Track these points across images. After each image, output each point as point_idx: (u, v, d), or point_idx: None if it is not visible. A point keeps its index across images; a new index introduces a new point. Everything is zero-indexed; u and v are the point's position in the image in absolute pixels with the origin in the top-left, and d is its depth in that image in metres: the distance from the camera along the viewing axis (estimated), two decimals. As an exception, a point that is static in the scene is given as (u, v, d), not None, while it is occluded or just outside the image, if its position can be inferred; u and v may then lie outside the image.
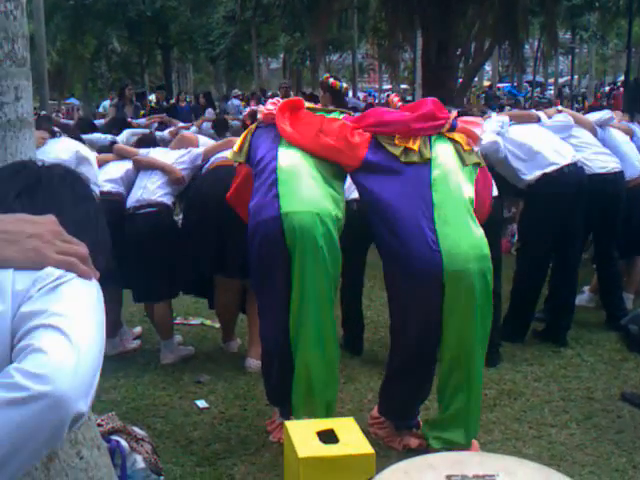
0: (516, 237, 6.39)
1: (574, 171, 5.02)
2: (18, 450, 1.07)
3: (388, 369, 3.78)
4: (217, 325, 5.53)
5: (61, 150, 4.60)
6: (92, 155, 4.66)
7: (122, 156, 5.24)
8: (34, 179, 1.50)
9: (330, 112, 3.95)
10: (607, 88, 33.05)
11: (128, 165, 5.13)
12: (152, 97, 17.70)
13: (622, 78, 22.61)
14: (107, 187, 4.95)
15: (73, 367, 1.09)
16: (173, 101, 15.14)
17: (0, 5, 2.38)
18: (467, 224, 3.42)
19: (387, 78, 38.67)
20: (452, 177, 3.50)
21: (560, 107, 6.09)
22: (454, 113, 3.79)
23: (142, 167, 5.09)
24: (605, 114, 5.93)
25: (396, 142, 3.56)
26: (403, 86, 33.51)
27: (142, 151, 5.32)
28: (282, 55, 37.29)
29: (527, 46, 23.35)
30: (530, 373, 4.70)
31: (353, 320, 5.08)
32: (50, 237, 1.26)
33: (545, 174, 5.00)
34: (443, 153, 3.58)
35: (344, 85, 5.91)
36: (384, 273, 3.66)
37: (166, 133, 9.27)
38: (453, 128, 3.68)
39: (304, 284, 3.48)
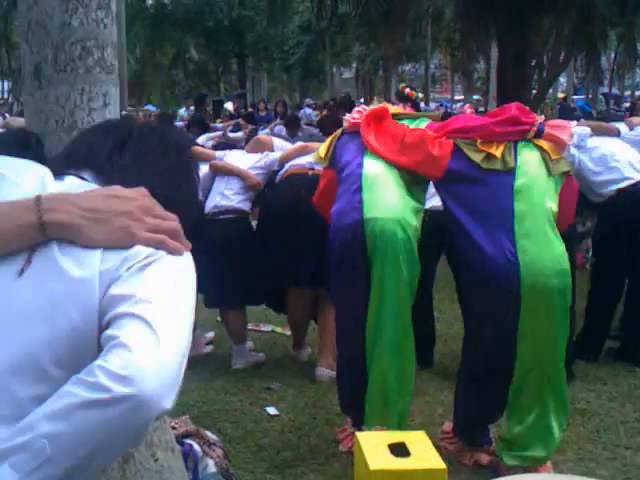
0: (590, 252, 6.26)
1: None
2: (100, 450, 1.07)
3: (459, 384, 3.73)
4: (288, 333, 5.56)
5: None
6: None
7: (199, 159, 5.32)
8: (127, 133, 1.48)
9: (415, 118, 3.91)
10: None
11: (204, 169, 5.20)
12: (228, 105, 17.97)
13: None
14: None
15: (158, 366, 1.08)
16: (250, 109, 15.27)
17: (91, 13, 2.44)
18: (548, 238, 3.33)
19: (459, 89, 38.37)
20: (536, 188, 3.41)
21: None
22: (541, 118, 3.66)
23: (219, 173, 5.16)
24: None
25: (479, 147, 3.48)
26: (475, 97, 33.18)
27: (218, 153, 5.39)
28: (355, 64, 37.36)
29: (603, 58, 22.84)
30: (604, 392, 4.57)
31: (423, 332, 5.02)
32: (140, 214, 1.24)
33: (620, 189, 4.90)
34: (528, 161, 3.47)
35: (420, 95, 5.89)
36: (458, 284, 3.62)
37: (240, 133, 9.43)
38: (540, 133, 3.55)
39: (382, 290, 3.45)
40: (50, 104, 2.40)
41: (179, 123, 10.91)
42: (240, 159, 5.22)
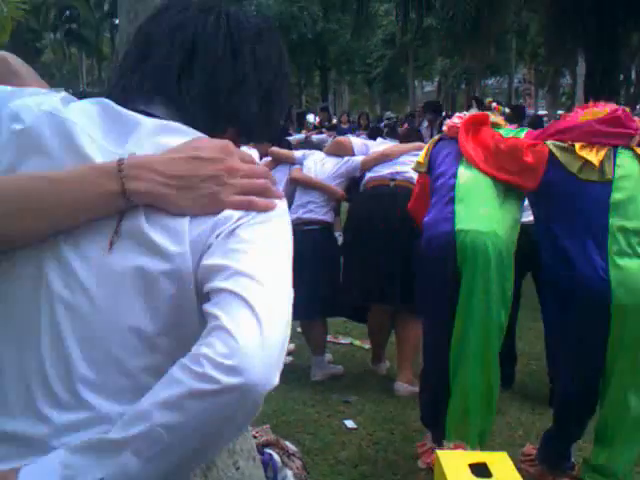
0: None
1: None
2: (212, 438, 1.09)
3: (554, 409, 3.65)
4: (366, 346, 5.56)
5: None
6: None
7: (279, 159, 5.37)
8: (191, 37, 1.29)
9: (515, 131, 3.82)
10: None
11: (285, 175, 5.23)
12: (310, 117, 18.10)
13: None
14: None
15: (263, 352, 1.06)
16: (335, 121, 15.34)
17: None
18: None
19: (543, 104, 37.70)
20: (633, 204, 3.26)
21: None
22: None
23: (300, 185, 5.20)
24: None
25: (577, 152, 3.30)
26: (560, 112, 32.54)
27: (297, 153, 5.39)
28: (437, 78, 37.18)
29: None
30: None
31: (505, 351, 4.94)
32: (227, 177, 1.19)
33: None
34: (628, 172, 3.28)
35: (506, 110, 5.82)
36: (542, 301, 3.55)
37: (324, 135, 9.53)
38: None
39: (471, 304, 3.41)
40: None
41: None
42: (321, 164, 5.19)
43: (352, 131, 13.54)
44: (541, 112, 37.56)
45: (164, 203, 1.16)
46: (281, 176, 5.23)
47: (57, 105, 1.23)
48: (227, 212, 1.17)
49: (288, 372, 5.10)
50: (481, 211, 3.47)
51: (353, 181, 5.15)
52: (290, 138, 8.17)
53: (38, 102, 1.23)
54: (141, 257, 1.16)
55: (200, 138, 1.23)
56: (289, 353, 5.55)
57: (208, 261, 1.13)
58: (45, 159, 1.19)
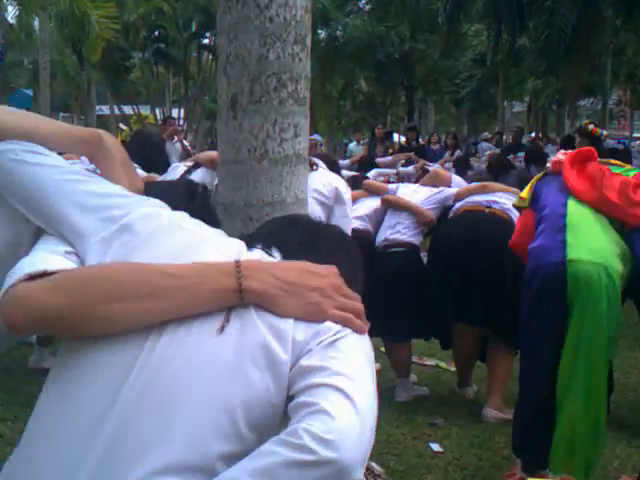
0: None
1: None
2: None
3: None
4: (452, 368, 5.47)
5: (321, 183, 4.53)
6: (348, 193, 4.70)
7: (372, 192, 5.37)
8: (314, 232, 1.55)
9: (624, 169, 3.72)
10: None
11: (377, 203, 5.23)
12: (394, 136, 18.01)
13: None
14: (355, 224, 5.07)
15: (358, 434, 1.11)
16: (422, 141, 15.24)
17: (288, 47, 2.53)
18: None
19: (638, 126, 36.62)
20: None
21: None
22: None
23: (391, 206, 5.17)
24: None
25: None
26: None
27: (391, 186, 5.41)
28: (527, 98, 36.58)
29: None
30: None
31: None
32: (331, 291, 1.30)
33: None
34: None
35: (604, 132, 5.67)
36: None
37: (411, 168, 9.43)
38: None
39: (581, 336, 3.33)
40: (244, 133, 2.50)
41: (345, 162, 11.02)
42: (413, 193, 5.21)
43: (441, 153, 13.31)
44: (636, 134, 36.58)
45: (274, 304, 1.27)
46: (371, 201, 5.27)
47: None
48: (328, 323, 1.27)
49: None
50: (594, 242, 3.39)
51: (444, 210, 5.11)
52: (372, 173, 8.12)
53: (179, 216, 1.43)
54: (249, 344, 1.24)
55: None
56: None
57: (306, 362, 1.21)
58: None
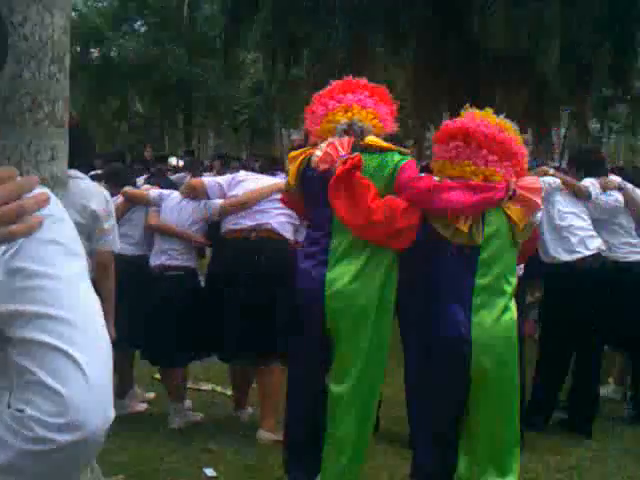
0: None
1: (596, 262, 4.96)
2: None
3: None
4: (228, 392, 5.48)
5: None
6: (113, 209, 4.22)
7: (132, 201, 5.14)
8: None
9: (385, 151, 3.56)
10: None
11: (142, 217, 5.09)
12: (172, 160, 17.76)
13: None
14: (129, 250, 4.93)
15: (91, 396, 1.00)
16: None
17: (44, 67, 2.44)
18: (501, 309, 3.40)
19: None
20: (499, 261, 3.41)
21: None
22: (513, 181, 3.43)
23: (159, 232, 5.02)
24: None
25: (446, 222, 3.36)
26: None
27: (152, 194, 5.14)
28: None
29: (554, 132, 23.48)
30: (553, 463, 4.56)
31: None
32: None
33: (567, 262, 4.97)
34: (495, 230, 3.40)
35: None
36: (406, 353, 3.65)
37: (184, 174, 9.40)
38: (512, 197, 3.40)
39: (342, 359, 3.51)
40: (-4, 154, 2.38)
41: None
42: (177, 207, 4.97)
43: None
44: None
45: None
46: (138, 218, 5.11)
47: None
48: None
49: (145, 420, 4.99)
50: (355, 262, 3.47)
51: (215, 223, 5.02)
52: (140, 179, 7.89)
53: None
54: None
55: None
56: (148, 402, 5.39)
57: None
58: None
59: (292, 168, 3.68)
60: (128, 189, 5.23)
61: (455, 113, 3.57)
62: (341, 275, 3.45)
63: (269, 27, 14.01)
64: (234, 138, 39.31)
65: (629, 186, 5.47)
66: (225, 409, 5.34)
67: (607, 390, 5.90)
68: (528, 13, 10.55)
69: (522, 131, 3.55)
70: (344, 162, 3.40)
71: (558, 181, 5.14)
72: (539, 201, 3.52)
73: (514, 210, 3.40)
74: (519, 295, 4.27)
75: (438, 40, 12.78)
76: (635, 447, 4.91)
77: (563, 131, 28.12)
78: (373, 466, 4.30)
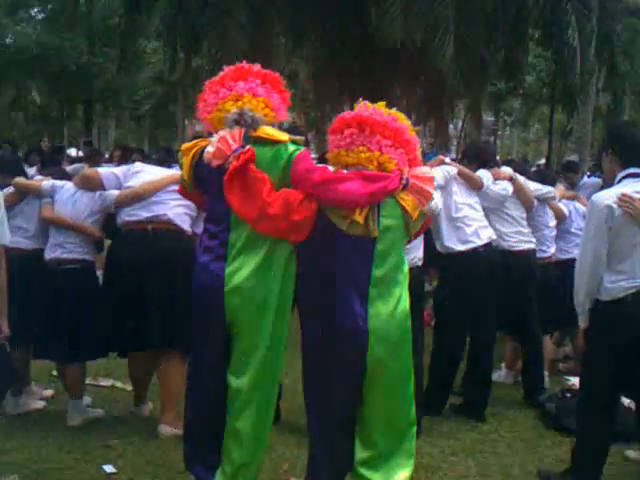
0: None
1: (488, 252, 5.15)
2: None
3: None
4: (128, 388, 5.35)
5: None
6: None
7: (22, 192, 4.92)
8: None
9: (276, 143, 3.48)
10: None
11: (35, 208, 4.90)
12: (71, 151, 17.30)
13: (543, 162, 23.43)
14: (25, 244, 4.78)
15: None
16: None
17: None
18: (396, 299, 3.44)
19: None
20: (394, 252, 3.45)
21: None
22: (406, 169, 3.43)
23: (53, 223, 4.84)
24: (549, 192, 5.96)
25: (343, 213, 3.34)
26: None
27: (45, 185, 4.92)
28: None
29: (451, 125, 24.06)
30: (447, 447, 4.67)
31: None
32: None
33: (460, 252, 5.11)
34: (391, 222, 3.41)
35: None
36: (303, 343, 3.65)
37: (80, 165, 9.21)
38: (405, 186, 3.40)
39: (242, 348, 3.49)
40: None
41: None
42: (72, 199, 4.81)
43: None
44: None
45: None
46: (32, 210, 4.91)
47: None
48: None
49: (42, 418, 4.83)
50: (253, 256, 3.44)
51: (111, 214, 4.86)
52: (33, 170, 7.58)
53: None
54: None
55: None
56: (45, 399, 5.22)
57: None
58: None
59: (185, 161, 3.58)
60: (19, 179, 5.01)
61: (355, 105, 3.56)
62: (240, 269, 3.42)
63: (170, 14, 13.81)
64: (136, 129, 38.58)
65: (520, 177, 5.68)
66: (125, 405, 5.23)
67: (499, 374, 6.11)
68: (423, 9, 10.72)
69: (417, 123, 3.60)
70: (237, 157, 3.34)
71: (455, 170, 5.27)
72: (432, 190, 3.53)
73: (407, 200, 3.41)
74: (418, 285, 4.37)
75: (339, 33, 12.87)
76: (527, 431, 5.09)
77: (460, 123, 28.90)
78: (273, 457, 4.29)
